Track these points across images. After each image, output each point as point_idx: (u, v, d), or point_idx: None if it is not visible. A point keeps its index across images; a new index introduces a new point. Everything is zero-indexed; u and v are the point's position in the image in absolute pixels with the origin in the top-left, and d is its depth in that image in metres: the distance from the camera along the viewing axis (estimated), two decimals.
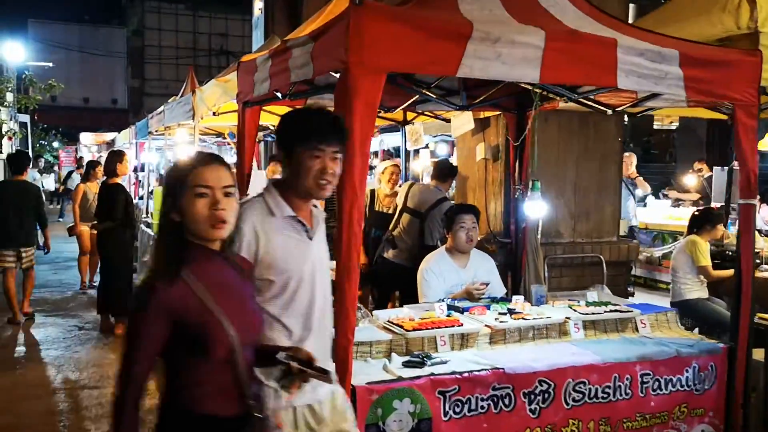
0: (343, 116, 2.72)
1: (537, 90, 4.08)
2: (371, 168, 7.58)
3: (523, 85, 3.92)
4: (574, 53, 3.20)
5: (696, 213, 5.93)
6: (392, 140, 10.46)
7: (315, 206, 2.58)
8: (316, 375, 2.06)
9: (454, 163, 6.63)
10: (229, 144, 11.52)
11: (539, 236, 5.21)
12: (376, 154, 11.80)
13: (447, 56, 2.99)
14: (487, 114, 5.71)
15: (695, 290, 5.62)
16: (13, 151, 16.67)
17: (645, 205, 9.75)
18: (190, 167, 1.98)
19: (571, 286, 5.55)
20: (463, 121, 5.96)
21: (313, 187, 2.43)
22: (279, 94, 4.14)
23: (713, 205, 8.45)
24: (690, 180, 10.28)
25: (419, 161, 10.60)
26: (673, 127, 20.18)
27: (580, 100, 4.22)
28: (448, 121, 6.38)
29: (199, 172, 1.96)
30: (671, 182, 11.60)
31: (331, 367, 2.53)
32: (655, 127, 20.94)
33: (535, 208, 4.63)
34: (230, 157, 15.63)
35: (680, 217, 9.30)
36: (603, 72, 3.26)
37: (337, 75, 3.01)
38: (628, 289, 6.36)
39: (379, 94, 2.88)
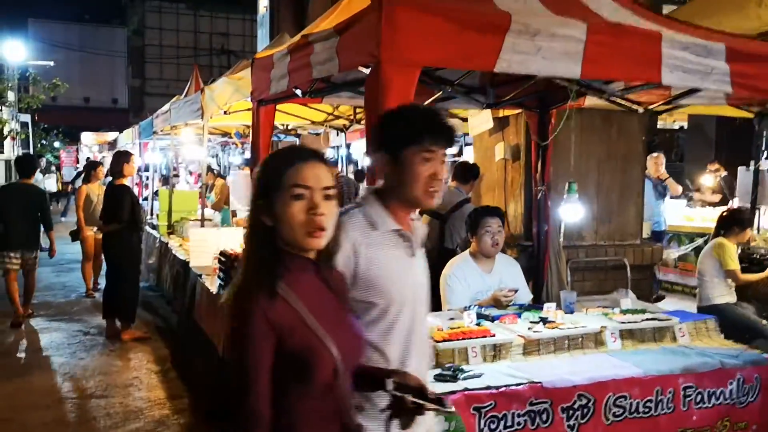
0: (375, 113, 2.54)
1: (573, 86, 3.89)
2: None
3: (558, 81, 3.73)
4: (616, 47, 3.03)
5: (724, 214, 5.67)
6: None
7: (413, 218, 2.27)
8: (434, 407, 1.77)
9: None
10: (235, 144, 11.33)
11: (561, 239, 5.03)
12: None
13: (484, 50, 2.82)
14: (506, 113, 5.52)
15: (723, 294, 5.42)
16: (17, 152, 16.53)
17: None
18: (286, 163, 1.69)
19: (594, 290, 5.37)
20: (481, 120, 5.78)
21: (421, 195, 2.13)
22: (299, 92, 3.95)
23: (732, 205, 8.24)
24: (707, 180, 10.06)
25: None
26: (677, 127, 20.00)
27: (612, 98, 4.03)
28: (464, 120, 6.20)
29: (296, 169, 1.67)
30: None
31: None
32: (658, 126, 20.76)
33: (572, 212, 4.44)
34: (236, 158, 15.52)
35: (694, 217, 9.12)
36: (646, 67, 3.09)
37: (366, 70, 2.84)
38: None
39: (412, 90, 2.71)
